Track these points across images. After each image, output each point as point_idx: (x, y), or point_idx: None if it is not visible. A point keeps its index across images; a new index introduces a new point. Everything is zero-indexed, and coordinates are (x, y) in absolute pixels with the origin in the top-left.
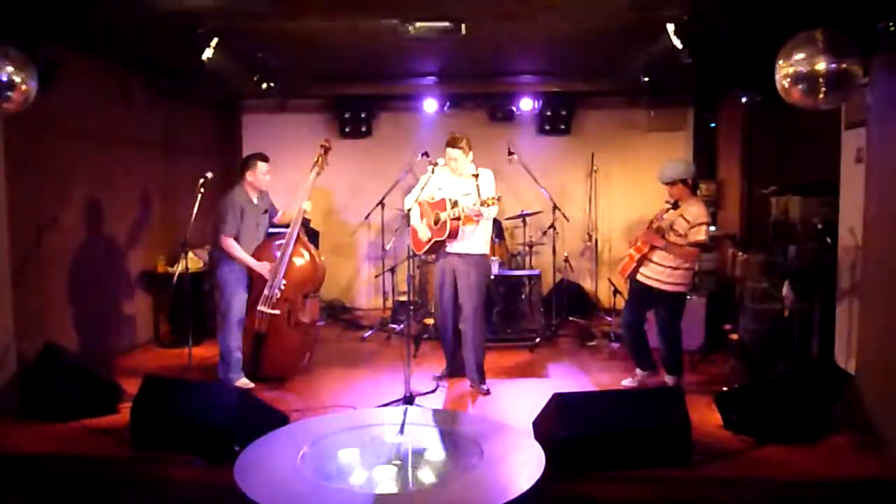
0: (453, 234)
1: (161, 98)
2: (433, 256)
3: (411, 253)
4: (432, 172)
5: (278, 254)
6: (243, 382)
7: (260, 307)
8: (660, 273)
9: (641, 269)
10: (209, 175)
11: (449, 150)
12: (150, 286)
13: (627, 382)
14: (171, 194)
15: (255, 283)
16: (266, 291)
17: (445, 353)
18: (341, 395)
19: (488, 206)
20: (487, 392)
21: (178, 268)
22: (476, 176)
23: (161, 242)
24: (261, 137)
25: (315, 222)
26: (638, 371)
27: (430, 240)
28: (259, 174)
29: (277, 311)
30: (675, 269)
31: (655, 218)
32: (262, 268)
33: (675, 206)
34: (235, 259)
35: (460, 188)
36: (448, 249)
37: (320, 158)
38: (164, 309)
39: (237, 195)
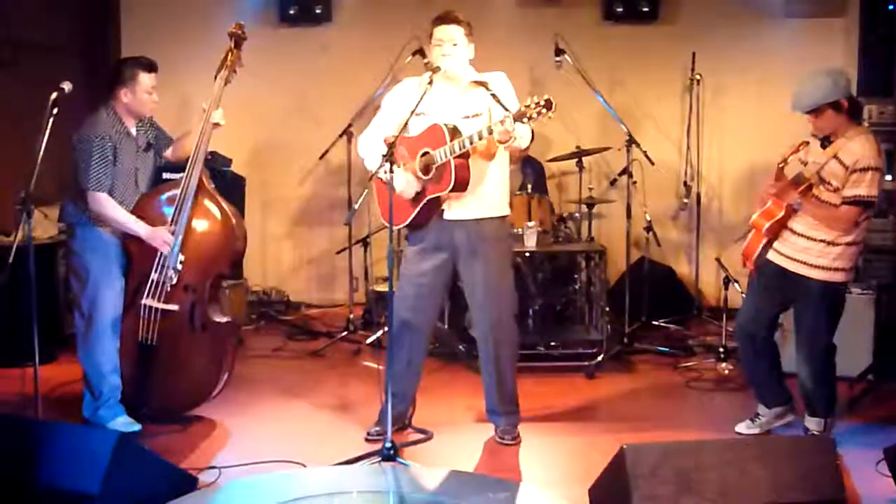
0: (461, 184)
1: None
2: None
3: (370, 227)
4: (430, 85)
5: (170, 213)
6: (123, 422)
7: (145, 301)
8: (805, 250)
9: (776, 245)
10: (66, 86)
11: (442, 28)
12: None
13: (744, 428)
14: (3, 119)
15: (134, 263)
16: (154, 275)
17: (394, 392)
18: (281, 445)
19: (530, 117)
20: (516, 440)
21: (18, 237)
22: (481, 84)
23: None
24: (150, 24)
25: (238, 164)
26: (761, 410)
27: (420, 199)
28: (140, 91)
29: (174, 307)
30: (831, 244)
31: (786, 159)
32: (157, 236)
33: (826, 143)
34: (113, 224)
35: (457, 107)
36: (446, 216)
37: (229, 55)
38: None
39: (104, 125)
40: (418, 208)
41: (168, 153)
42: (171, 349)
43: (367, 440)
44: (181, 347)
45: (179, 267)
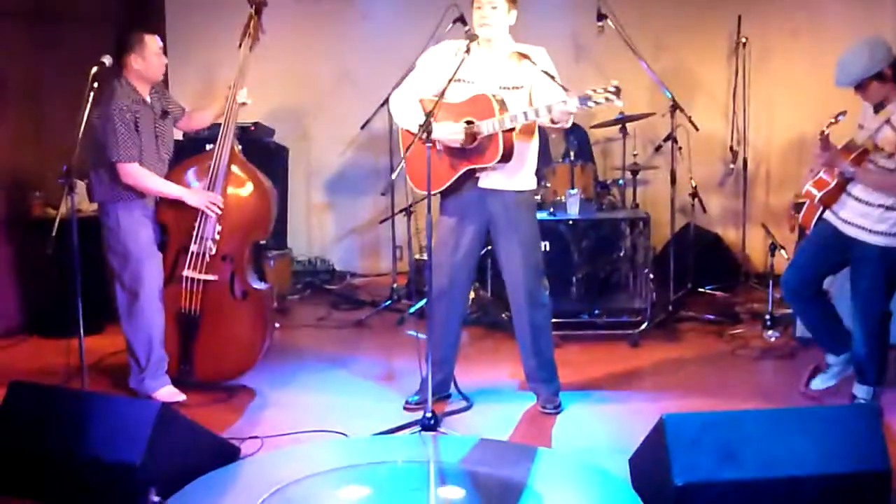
0: (508, 157)
1: None
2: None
3: (412, 197)
4: (467, 53)
5: (197, 186)
6: (168, 392)
7: (186, 272)
8: (864, 215)
9: (835, 208)
10: (106, 60)
11: None
12: (19, 241)
13: (819, 383)
14: (46, 93)
15: (171, 235)
16: (193, 246)
17: (433, 360)
18: (322, 414)
19: (596, 102)
20: (557, 409)
21: (61, 211)
22: (524, 56)
23: (34, 170)
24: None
25: (281, 135)
26: (830, 359)
27: (459, 166)
28: (150, 54)
29: (214, 277)
30: (890, 208)
31: (824, 131)
32: (203, 197)
33: (879, 107)
34: (150, 193)
35: (497, 76)
36: (482, 184)
37: (251, 22)
38: (42, 276)
39: (121, 96)
40: (456, 176)
41: (181, 123)
42: (214, 319)
43: (406, 409)
44: (223, 316)
45: (217, 237)
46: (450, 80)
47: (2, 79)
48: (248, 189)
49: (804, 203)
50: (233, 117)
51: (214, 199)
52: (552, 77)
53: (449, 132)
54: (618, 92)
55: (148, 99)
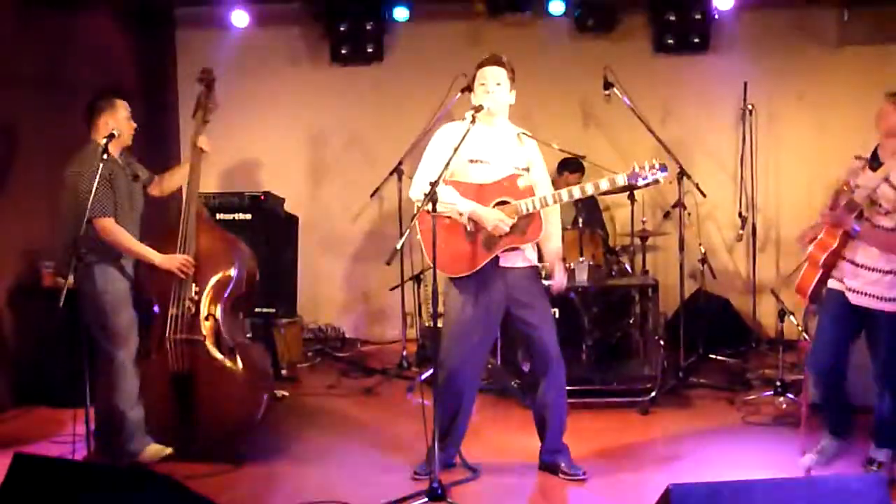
0: (536, 234)
1: (41, 8)
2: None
3: (422, 265)
4: (472, 123)
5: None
6: (155, 450)
7: (170, 336)
8: (874, 283)
9: (840, 275)
10: (116, 132)
11: (486, 69)
12: (29, 310)
13: (808, 461)
14: (59, 160)
15: (160, 304)
16: (173, 309)
17: (444, 433)
18: (330, 484)
19: (644, 178)
20: (584, 476)
21: (69, 281)
22: (531, 137)
23: (46, 240)
24: (209, 66)
25: (292, 203)
26: (824, 441)
27: (499, 245)
28: (120, 116)
29: (198, 336)
30: None
31: (842, 188)
32: (173, 260)
33: (875, 165)
34: (123, 250)
35: (511, 156)
36: (501, 263)
37: (201, 100)
38: (52, 343)
39: (95, 155)
40: (494, 254)
41: (153, 188)
42: (207, 378)
43: (413, 479)
44: (216, 375)
45: (195, 297)
46: (453, 153)
47: (16, 146)
48: (219, 246)
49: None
50: (195, 180)
51: (185, 260)
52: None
53: (490, 217)
54: (664, 167)
55: (120, 161)
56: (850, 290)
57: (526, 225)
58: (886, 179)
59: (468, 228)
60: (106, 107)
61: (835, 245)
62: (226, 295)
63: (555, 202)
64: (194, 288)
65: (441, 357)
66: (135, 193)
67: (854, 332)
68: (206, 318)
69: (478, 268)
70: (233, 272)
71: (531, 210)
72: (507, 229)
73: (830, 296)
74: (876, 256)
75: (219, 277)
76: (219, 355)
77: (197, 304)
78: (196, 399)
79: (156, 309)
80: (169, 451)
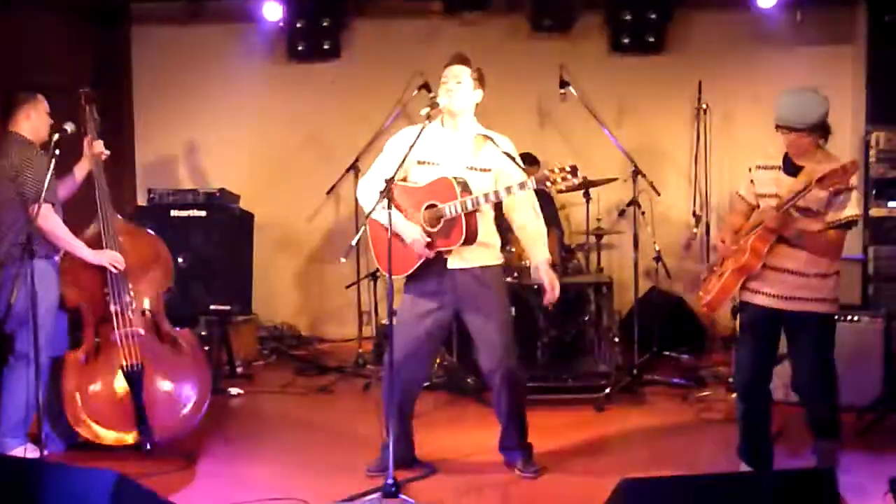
0: (471, 239)
1: None
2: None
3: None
4: (428, 121)
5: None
6: (30, 448)
7: (117, 331)
8: (801, 287)
9: (759, 286)
10: (69, 127)
11: (450, 67)
12: None
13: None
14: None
15: (83, 313)
16: (113, 307)
17: (394, 432)
18: (285, 482)
19: (553, 181)
20: (538, 474)
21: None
22: (487, 138)
23: None
24: (163, 64)
25: (247, 201)
26: (743, 466)
27: (431, 248)
28: (42, 110)
29: (141, 330)
30: (824, 276)
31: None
32: (104, 255)
33: (792, 171)
34: (57, 240)
35: (464, 158)
36: (449, 265)
37: (84, 114)
38: None
39: (24, 144)
40: (421, 260)
41: (60, 190)
42: (156, 369)
43: (368, 475)
44: (163, 365)
45: (131, 293)
46: (405, 155)
47: None
48: (142, 242)
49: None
50: (103, 179)
51: (116, 256)
52: (513, 159)
53: (417, 234)
54: (574, 171)
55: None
56: (775, 297)
57: (450, 228)
58: (816, 181)
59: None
60: (28, 100)
61: (764, 251)
62: (158, 288)
63: (473, 206)
64: (129, 284)
65: (386, 355)
66: (55, 189)
67: (774, 345)
68: (143, 314)
69: (410, 270)
70: (162, 266)
71: (453, 214)
72: (424, 248)
73: (749, 311)
74: (803, 261)
75: (148, 272)
76: (161, 347)
77: (134, 300)
78: (148, 392)
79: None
80: (43, 452)
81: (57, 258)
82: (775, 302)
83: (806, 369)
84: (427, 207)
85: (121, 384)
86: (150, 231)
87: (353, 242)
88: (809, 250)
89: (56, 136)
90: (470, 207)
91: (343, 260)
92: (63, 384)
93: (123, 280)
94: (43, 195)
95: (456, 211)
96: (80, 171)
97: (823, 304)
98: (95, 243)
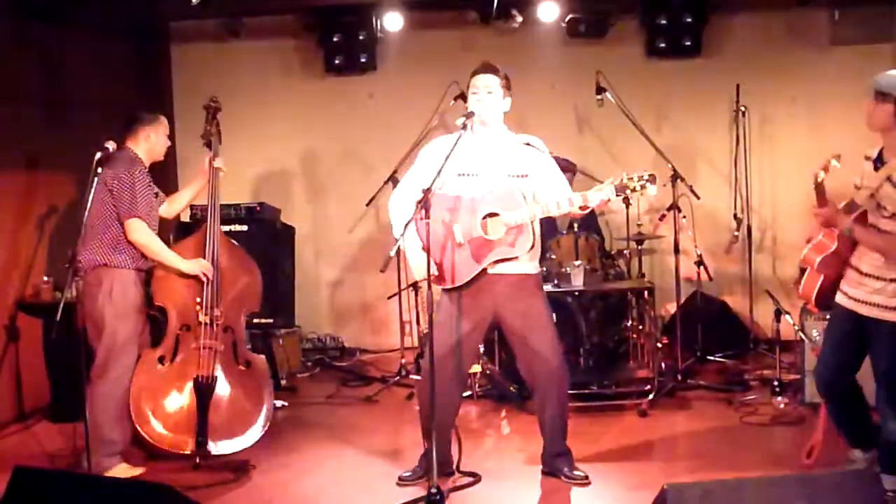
0: (524, 247)
1: (37, 25)
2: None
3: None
4: (464, 129)
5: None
6: (122, 471)
7: (202, 341)
8: (877, 292)
9: (844, 287)
10: (110, 146)
11: (479, 76)
12: (26, 325)
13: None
14: (58, 175)
15: (170, 314)
16: (203, 317)
17: (432, 442)
18: (329, 492)
19: (633, 189)
20: (587, 481)
21: (66, 295)
22: (527, 144)
23: (43, 254)
24: (203, 82)
25: (288, 214)
26: (855, 454)
27: (486, 256)
28: (162, 132)
29: (222, 346)
30: None
31: (817, 176)
32: (198, 266)
33: (879, 164)
34: (150, 253)
35: (502, 164)
36: (490, 270)
37: (209, 127)
38: (52, 359)
39: (137, 161)
40: (482, 266)
41: (163, 209)
42: (226, 386)
43: (399, 484)
44: (232, 385)
45: (220, 307)
46: (445, 161)
47: (17, 164)
48: (239, 261)
49: (805, 270)
50: (213, 188)
51: (208, 266)
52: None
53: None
54: (653, 179)
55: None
56: (853, 299)
57: (515, 237)
58: (889, 178)
59: (457, 241)
60: (152, 120)
61: (833, 247)
62: (244, 310)
63: (544, 213)
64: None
65: (424, 364)
66: (154, 209)
67: (860, 348)
68: (226, 331)
69: (468, 278)
70: (251, 288)
71: (519, 222)
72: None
73: (836, 308)
74: (880, 264)
75: (239, 292)
76: (236, 367)
77: (221, 314)
78: (213, 407)
79: (179, 317)
80: (140, 471)
81: (142, 266)
82: (853, 304)
83: (876, 377)
84: (486, 216)
85: (189, 393)
86: (247, 255)
87: (392, 253)
88: (870, 248)
89: (98, 155)
90: (541, 215)
91: (382, 272)
92: (134, 380)
93: (217, 294)
94: (131, 207)
95: (523, 218)
96: (195, 186)
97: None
98: (195, 253)
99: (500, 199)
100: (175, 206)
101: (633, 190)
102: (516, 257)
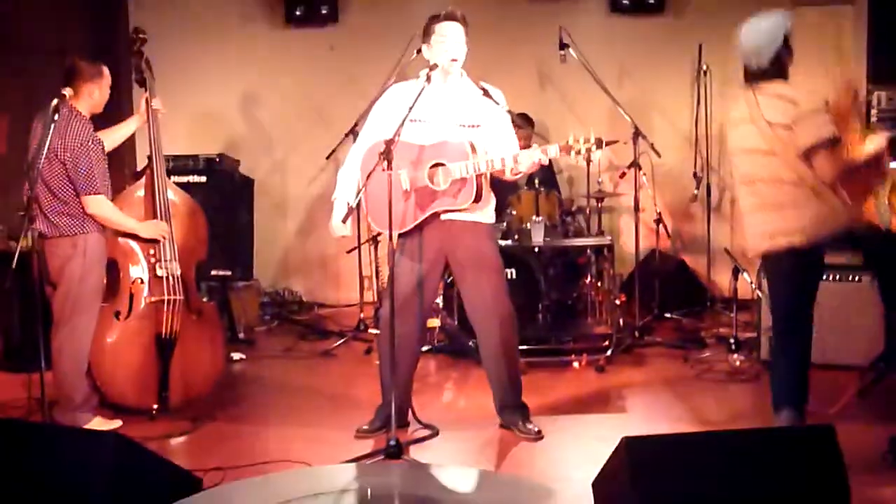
0: (480, 198)
1: None
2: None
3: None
4: (428, 82)
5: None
6: (98, 424)
7: (166, 297)
8: None
9: None
10: (67, 92)
11: (448, 24)
12: None
13: None
14: (14, 124)
15: (121, 269)
16: (161, 271)
17: (389, 390)
18: (286, 444)
19: (577, 151)
20: (539, 435)
21: (22, 243)
22: (486, 94)
23: None
24: (160, 28)
25: (247, 166)
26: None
27: (429, 206)
28: (106, 87)
29: (180, 297)
30: None
31: None
32: (155, 228)
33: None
34: (111, 225)
35: (454, 114)
36: (444, 216)
37: (138, 61)
38: (6, 307)
39: (89, 126)
40: (424, 216)
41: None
42: (183, 338)
43: (357, 437)
44: (189, 335)
45: (175, 259)
46: (408, 112)
47: None
48: (187, 210)
49: None
50: (159, 140)
51: (165, 228)
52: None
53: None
54: (599, 144)
55: None
56: None
57: (458, 188)
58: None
59: (403, 188)
60: (95, 74)
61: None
62: (195, 258)
63: (486, 168)
64: (175, 248)
65: (384, 313)
66: (107, 173)
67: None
68: (180, 281)
69: (410, 226)
70: (202, 236)
71: (463, 174)
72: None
73: None
74: None
75: (190, 241)
76: (190, 317)
77: (178, 266)
78: (174, 361)
79: (133, 271)
80: (118, 423)
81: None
82: None
83: None
84: (433, 166)
85: (149, 348)
86: (193, 201)
87: (353, 203)
88: None
89: (55, 102)
90: (483, 169)
91: (343, 221)
92: (95, 337)
93: (173, 246)
94: (92, 182)
95: (467, 171)
96: (130, 126)
97: None
98: (144, 206)
99: (448, 150)
100: (108, 145)
101: (578, 152)
102: (459, 209)
